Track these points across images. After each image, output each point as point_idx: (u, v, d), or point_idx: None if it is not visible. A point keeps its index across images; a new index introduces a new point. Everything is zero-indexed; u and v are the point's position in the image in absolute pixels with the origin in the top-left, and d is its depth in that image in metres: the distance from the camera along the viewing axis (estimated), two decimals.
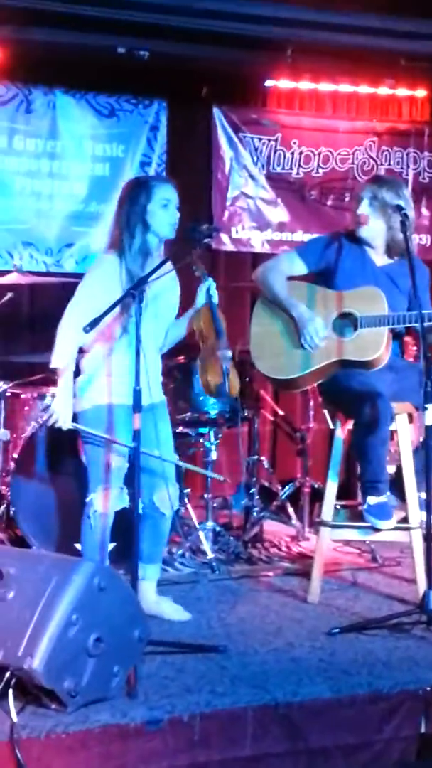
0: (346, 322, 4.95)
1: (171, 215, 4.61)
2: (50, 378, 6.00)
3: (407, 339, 5.37)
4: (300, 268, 5.14)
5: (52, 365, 4.58)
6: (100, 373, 4.58)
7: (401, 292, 5.00)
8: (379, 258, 5.08)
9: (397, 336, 5.08)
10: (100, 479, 4.52)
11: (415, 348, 5.61)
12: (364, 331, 4.88)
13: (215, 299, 4.76)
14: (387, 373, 4.92)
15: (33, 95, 7.04)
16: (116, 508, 4.60)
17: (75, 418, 4.65)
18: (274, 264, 5.20)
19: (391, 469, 5.02)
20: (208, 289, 4.74)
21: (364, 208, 5.00)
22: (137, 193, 4.63)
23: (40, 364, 6.20)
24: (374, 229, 5.02)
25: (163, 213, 4.60)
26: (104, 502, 4.51)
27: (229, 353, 4.77)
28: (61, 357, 4.55)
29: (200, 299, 4.78)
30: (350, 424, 5.00)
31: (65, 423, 4.56)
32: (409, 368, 4.99)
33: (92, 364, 4.65)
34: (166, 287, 4.70)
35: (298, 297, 5.03)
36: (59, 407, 4.56)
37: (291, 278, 5.13)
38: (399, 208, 4.83)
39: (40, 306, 7.11)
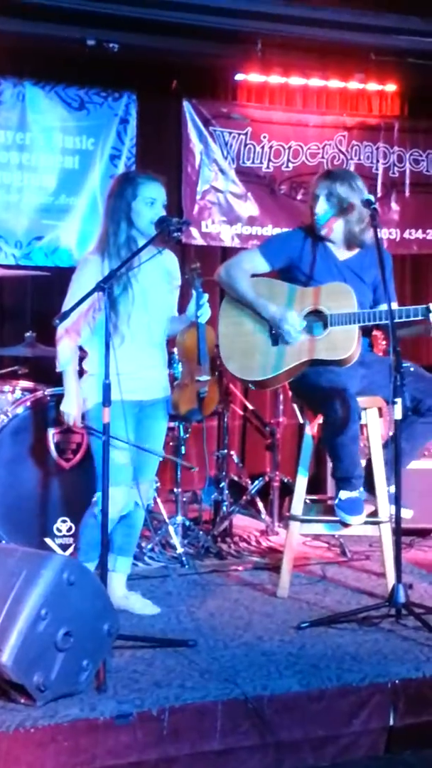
0: (315, 319, 4.94)
1: (154, 214, 4.61)
2: (19, 372, 6.01)
3: (376, 333, 5.38)
4: (262, 266, 5.09)
5: (57, 369, 4.72)
6: (99, 373, 4.54)
7: (366, 284, 5.01)
8: (340, 252, 5.07)
9: (366, 331, 5.08)
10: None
11: (384, 342, 5.62)
12: (335, 329, 4.87)
13: (204, 318, 4.70)
14: (357, 367, 4.92)
15: (2, 87, 6.99)
16: (122, 512, 4.62)
17: (83, 418, 4.73)
18: (237, 263, 5.15)
19: (361, 462, 5.01)
20: (197, 308, 4.68)
21: (321, 207, 4.98)
22: (123, 188, 4.67)
23: (9, 357, 6.20)
24: (334, 228, 5.02)
25: (147, 211, 4.61)
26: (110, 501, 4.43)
27: (208, 377, 4.75)
28: (60, 360, 4.70)
29: (188, 314, 4.74)
30: (319, 420, 5.01)
31: (76, 422, 4.69)
32: (379, 362, 5.00)
33: (91, 364, 4.68)
34: (155, 282, 4.70)
35: (267, 295, 5.02)
36: (67, 407, 4.70)
37: (254, 275, 5.11)
38: (369, 203, 4.83)
39: (9, 299, 7.09)
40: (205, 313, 4.69)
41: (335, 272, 5.00)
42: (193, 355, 4.73)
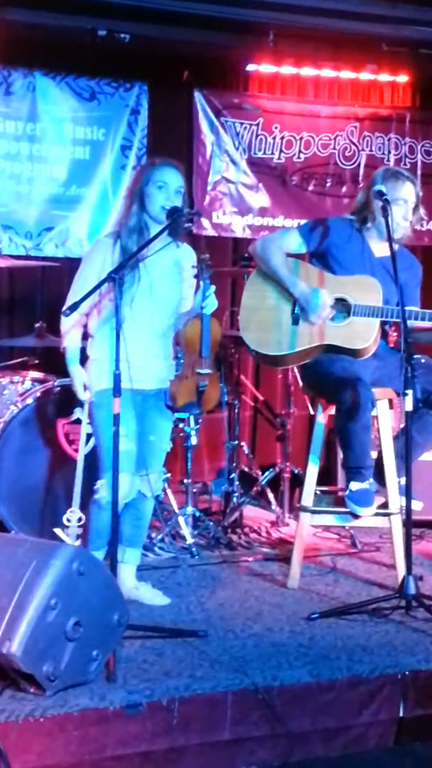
0: (339, 307, 4.93)
1: (165, 198, 4.59)
2: (29, 362, 6.01)
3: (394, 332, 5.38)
4: (298, 245, 5.11)
5: (62, 346, 4.73)
6: (103, 358, 4.55)
7: (396, 284, 4.98)
8: (378, 248, 5.05)
9: (383, 334, 5.06)
10: (108, 466, 4.40)
11: (396, 334, 5.61)
12: (356, 319, 4.87)
13: (209, 309, 4.61)
14: (371, 359, 4.92)
15: (13, 77, 6.97)
16: (125, 498, 4.57)
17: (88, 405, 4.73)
18: (273, 238, 5.18)
19: (372, 454, 5.00)
20: (203, 299, 4.60)
21: (406, 211, 4.99)
22: (141, 173, 4.74)
23: (19, 348, 6.20)
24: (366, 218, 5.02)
25: (157, 194, 4.60)
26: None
27: (209, 371, 4.72)
28: (65, 338, 4.69)
29: (194, 304, 4.69)
30: (332, 410, 5.00)
31: (82, 396, 4.68)
32: (392, 355, 4.99)
33: (95, 350, 4.66)
34: (164, 271, 4.68)
35: (296, 275, 5.01)
36: (74, 384, 4.69)
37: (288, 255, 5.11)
38: (380, 194, 4.81)
39: (20, 290, 7.08)
40: (211, 305, 4.63)
41: (367, 266, 4.99)
42: (195, 347, 4.68)
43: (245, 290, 5.17)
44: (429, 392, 4.84)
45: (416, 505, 4.69)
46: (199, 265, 4.69)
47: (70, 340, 4.67)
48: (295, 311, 4.98)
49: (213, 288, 4.63)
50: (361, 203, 5.06)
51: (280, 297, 5.04)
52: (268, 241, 5.18)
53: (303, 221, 5.76)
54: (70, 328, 4.63)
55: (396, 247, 4.99)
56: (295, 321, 4.97)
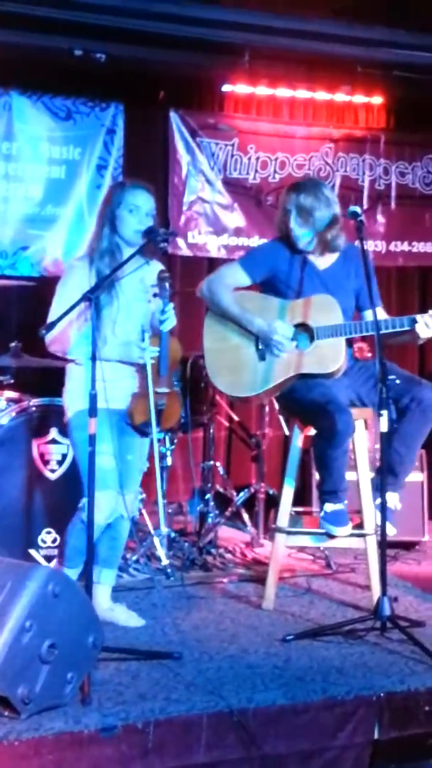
0: (300, 332, 4.92)
1: (138, 221, 4.61)
2: (4, 382, 5.97)
3: (362, 345, 5.38)
4: (244, 279, 5.07)
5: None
6: (79, 379, 4.54)
7: (347, 291, 4.99)
8: (319, 261, 5.05)
9: (348, 341, 5.06)
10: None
11: (370, 355, 5.62)
12: (322, 342, 4.85)
13: (167, 326, 4.58)
14: (342, 378, 4.91)
15: None
16: (109, 518, 4.57)
17: (65, 426, 4.70)
18: (218, 278, 5.12)
19: (351, 476, 5.00)
20: (161, 315, 4.57)
21: (293, 222, 4.96)
22: (111, 195, 4.71)
23: None
24: (306, 239, 5.00)
25: (129, 218, 4.61)
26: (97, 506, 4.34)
27: (167, 390, 4.68)
28: (65, 352, 4.61)
29: (153, 323, 4.66)
30: (308, 431, 5.00)
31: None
32: (359, 369, 5.00)
33: (74, 372, 4.64)
34: (137, 294, 4.68)
35: (251, 309, 5.00)
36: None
37: (237, 289, 5.09)
38: (355, 215, 4.80)
39: None
40: (169, 322, 4.61)
41: (317, 283, 4.98)
42: (154, 365, 4.64)
43: (204, 334, 5.10)
44: (397, 401, 4.80)
45: (390, 530, 4.69)
46: (159, 282, 4.66)
47: (76, 353, 4.61)
48: (260, 347, 4.96)
49: (171, 305, 4.61)
50: (282, 224, 5.04)
51: (240, 335, 5.00)
52: (213, 281, 5.11)
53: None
54: (50, 343, 4.59)
55: (336, 257, 5.02)
56: (262, 357, 4.95)
